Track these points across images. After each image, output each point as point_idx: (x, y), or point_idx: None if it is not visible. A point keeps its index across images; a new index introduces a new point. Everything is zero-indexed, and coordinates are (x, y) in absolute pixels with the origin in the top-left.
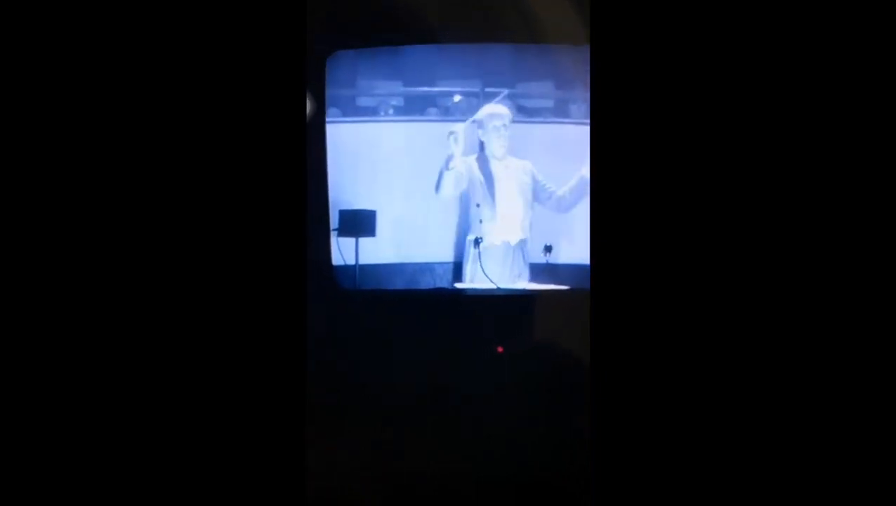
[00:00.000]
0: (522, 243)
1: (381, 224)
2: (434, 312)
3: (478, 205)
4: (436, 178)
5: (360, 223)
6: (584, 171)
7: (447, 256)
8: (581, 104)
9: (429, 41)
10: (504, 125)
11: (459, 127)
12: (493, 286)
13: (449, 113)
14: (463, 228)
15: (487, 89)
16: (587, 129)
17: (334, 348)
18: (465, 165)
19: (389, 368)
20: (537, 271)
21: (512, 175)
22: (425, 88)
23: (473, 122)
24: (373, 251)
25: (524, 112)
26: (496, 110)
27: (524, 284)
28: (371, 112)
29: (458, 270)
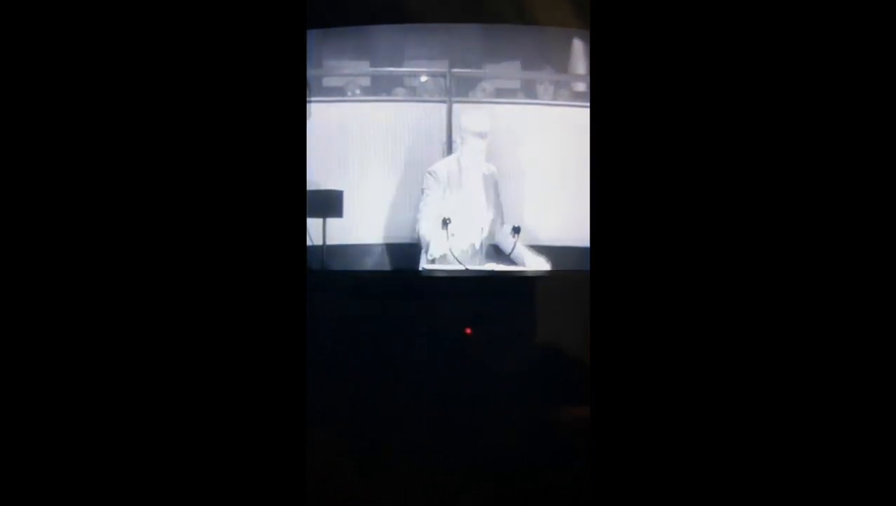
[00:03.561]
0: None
1: (349, 205)
2: (403, 293)
3: (448, 221)
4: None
5: (327, 204)
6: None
7: (415, 236)
8: (548, 85)
9: (398, 21)
10: (484, 137)
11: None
12: (461, 267)
13: (416, 93)
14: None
15: (454, 70)
16: (554, 109)
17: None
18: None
19: (360, 351)
20: (504, 254)
21: (482, 181)
22: (392, 69)
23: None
24: (340, 232)
25: (491, 93)
26: (479, 125)
27: (492, 265)
28: (338, 92)
29: (426, 250)
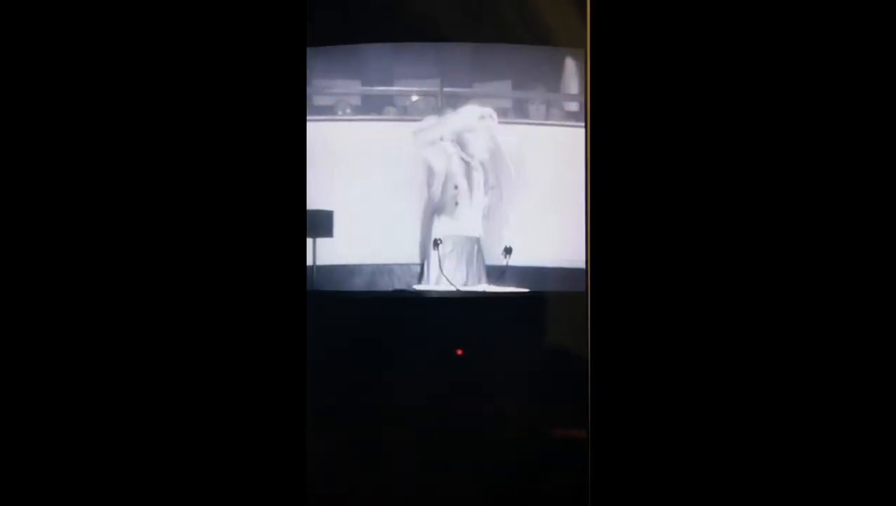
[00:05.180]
0: (479, 246)
1: (339, 225)
2: (393, 315)
3: (439, 242)
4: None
5: (317, 223)
6: None
7: (406, 257)
8: (539, 105)
9: (389, 40)
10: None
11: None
12: (452, 288)
13: (407, 113)
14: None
15: (446, 89)
16: (546, 129)
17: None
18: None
19: (350, 371)
20: (496, 273)
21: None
22: (383, 88)
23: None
24: (330, 252)
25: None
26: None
27: (484, 286)
28: (328, 111)
29: (417, 271)
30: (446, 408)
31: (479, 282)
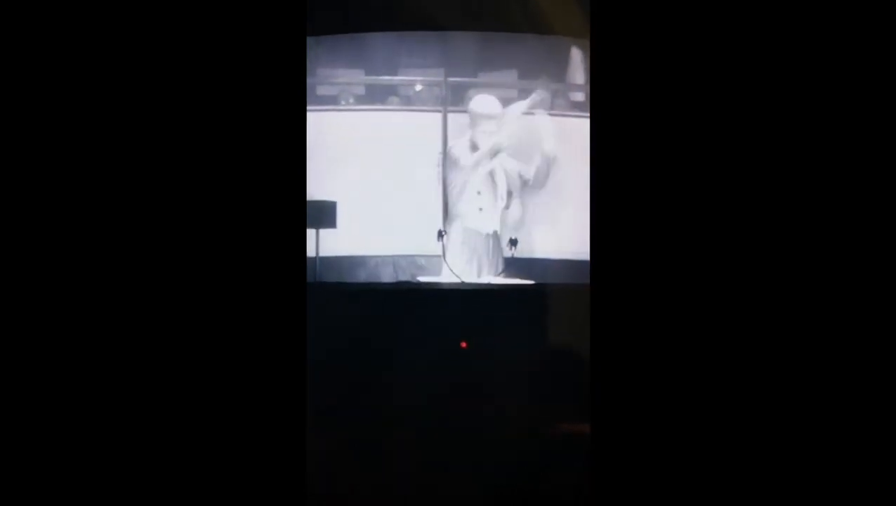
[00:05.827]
0: (495, 236)
1: (342, 216)
2: (395, 308)
3: (443, 232)
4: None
5: (320, 214)
6: (547, 148)
7: (410, 248)
8: (545, 94)
9: (394, 28)
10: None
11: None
12: (457, 280)
13: (411, 102)
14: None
15: (451, 79)
16: (550, 119)
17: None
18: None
19: (354, 363)
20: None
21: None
22: (387, 77)
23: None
24: (333, 243)
25: None
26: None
27: (490, 278)
28: (331, 101)
29: (421, 263)
30: (447, 407)
31: (488, 274)
